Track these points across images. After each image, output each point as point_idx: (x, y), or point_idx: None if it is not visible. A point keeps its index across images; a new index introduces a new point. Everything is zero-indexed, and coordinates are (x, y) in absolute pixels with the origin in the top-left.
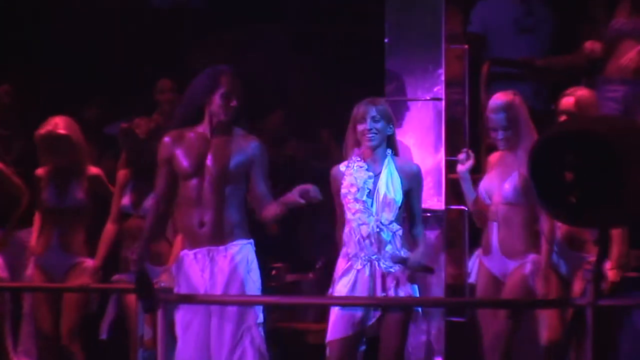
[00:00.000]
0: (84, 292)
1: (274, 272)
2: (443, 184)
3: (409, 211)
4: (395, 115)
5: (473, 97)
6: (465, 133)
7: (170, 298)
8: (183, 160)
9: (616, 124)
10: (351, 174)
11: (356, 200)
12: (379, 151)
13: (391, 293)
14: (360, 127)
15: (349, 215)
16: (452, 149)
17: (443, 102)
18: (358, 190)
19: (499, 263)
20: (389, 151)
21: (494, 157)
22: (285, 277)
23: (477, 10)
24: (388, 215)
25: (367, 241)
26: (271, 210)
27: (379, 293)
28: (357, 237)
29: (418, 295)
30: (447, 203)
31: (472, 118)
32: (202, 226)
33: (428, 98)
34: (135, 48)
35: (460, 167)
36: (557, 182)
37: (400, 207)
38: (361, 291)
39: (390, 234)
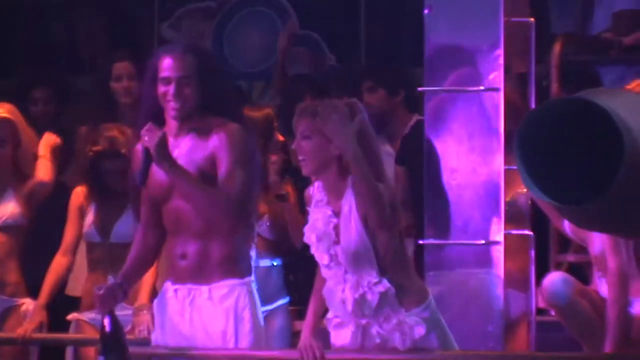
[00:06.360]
0: (23, 344)
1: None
2: (501, 203)
3: None
4: (439, 111)
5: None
6: None
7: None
8: (154, 178)
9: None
10: (311, 212)
11: (321, 253)
12: (328, 178)
13: None
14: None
15: (322, 269)
16: (513, 156)
17: (501, 94)
18: (319, 239)
19: None
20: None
21: None
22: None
23: None
24: (367, 276)
25: (349, 306)
26: None
27: None
28: (337, 300)
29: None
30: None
31: None
32: (183, 258)
33: (481, 88)
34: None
35: None
36: (551, 159)
37: (379, 253)
38: None
39: (377, 298)
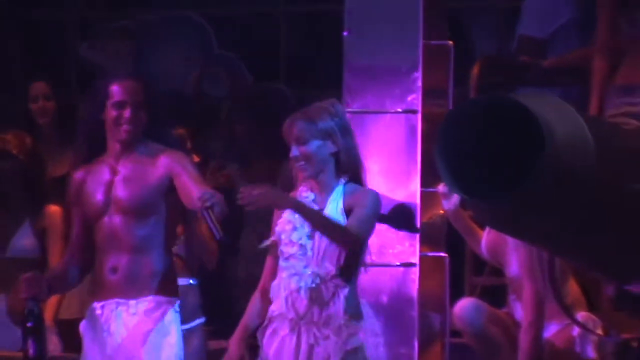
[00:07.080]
0: None
1: None
2: (417, 225)
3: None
4: (357, 133)
5: None
6: None
7: None
8: (89, 199)
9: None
10: None
11: (291, 242)
12: (324, 177)
13: None
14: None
15: (281, 262)
16: (430, 178)
17: (419, 116)
18: (294, 229)
19: None
20: (344, 178)
21: None
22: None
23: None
24: (329, 266)
25: (297, 298)
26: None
27: None
28: (286, 292)
29: None
30: (421, 250)
31: None
32: (114, 272)
33: (399, 110)
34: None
35: (445, 204)
36: (469, 157)
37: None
38: None
39: (331, 292)
